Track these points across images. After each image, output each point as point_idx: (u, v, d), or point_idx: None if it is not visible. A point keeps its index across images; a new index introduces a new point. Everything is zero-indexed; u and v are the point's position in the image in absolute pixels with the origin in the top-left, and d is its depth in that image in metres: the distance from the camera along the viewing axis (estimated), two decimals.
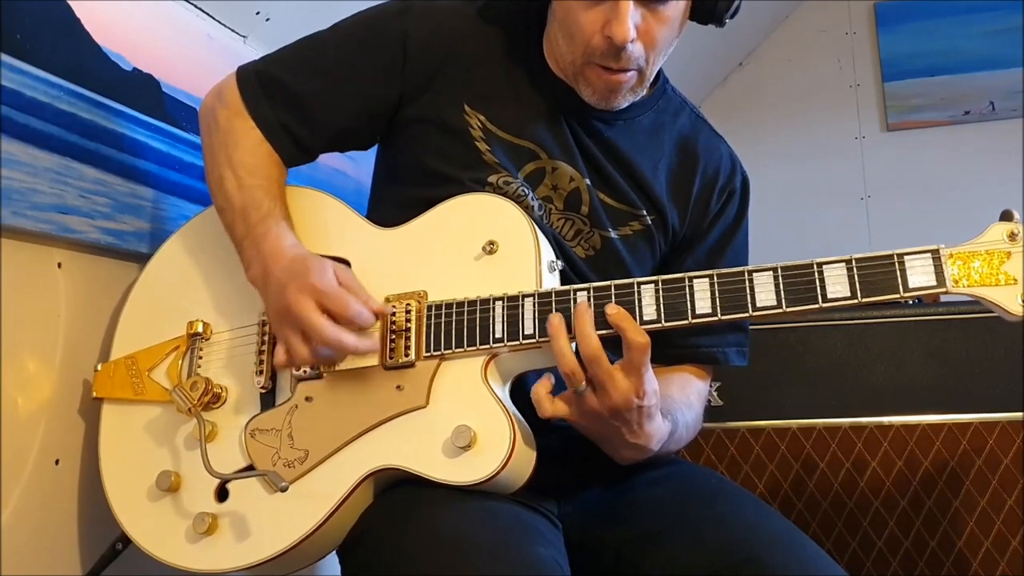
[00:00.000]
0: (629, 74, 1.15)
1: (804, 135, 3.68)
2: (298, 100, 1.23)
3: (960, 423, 1.62)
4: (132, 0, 1.38)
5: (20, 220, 1.15)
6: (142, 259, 1.34)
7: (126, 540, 1.16)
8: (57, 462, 1.23)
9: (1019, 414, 1.61)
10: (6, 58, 1.14)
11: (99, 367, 1.23)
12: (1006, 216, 0.98)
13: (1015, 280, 0.95)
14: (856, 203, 3.56)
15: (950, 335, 1.65)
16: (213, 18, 1.59)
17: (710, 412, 1.69)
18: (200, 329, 1.19)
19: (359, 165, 1.82)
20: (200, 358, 1.19)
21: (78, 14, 1.27)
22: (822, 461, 1.65)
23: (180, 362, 1.20)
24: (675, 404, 1.18)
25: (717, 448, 1.69)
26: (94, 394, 1.22)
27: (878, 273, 0.98)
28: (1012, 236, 0.96)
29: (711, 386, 1.69)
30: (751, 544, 1.02)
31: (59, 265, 1.25)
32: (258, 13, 1.67)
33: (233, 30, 1.65)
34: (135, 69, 1.37)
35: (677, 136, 1.29)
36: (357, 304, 1.06)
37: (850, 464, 1.64)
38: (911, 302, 1.78)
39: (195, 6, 1.55)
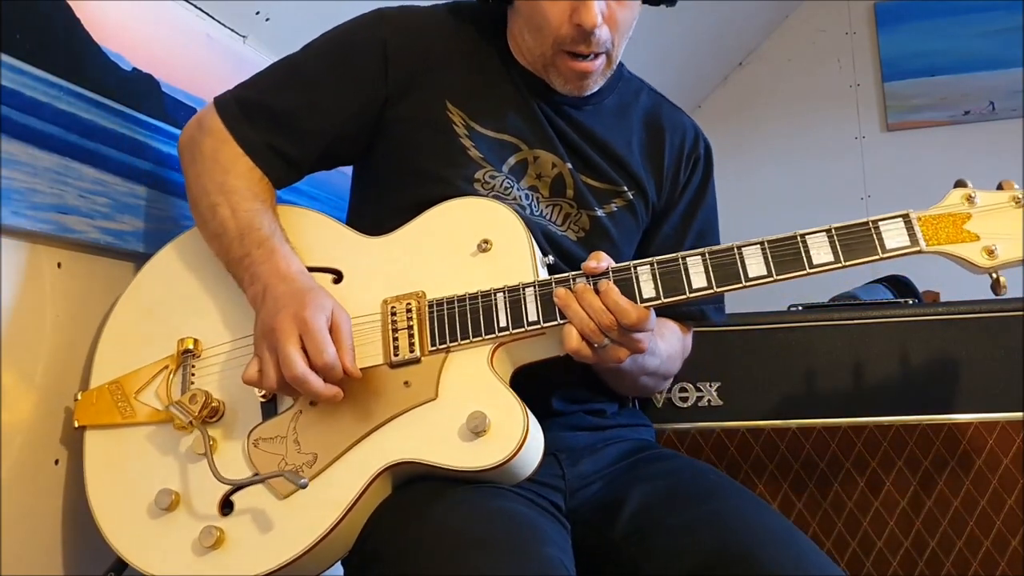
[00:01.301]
0: (599, 60, 1.20)
1: (804, 135, 3.68)
2: (281, 118, 1.23)
3: (960, 423, 1.62)
4: (132, 0, 1.38)
5: (20, 220, 1.15)
6: (141, 259, 1.34)
7: (121, 568, 1.12)
8: (57, 462, 1.22)
9: (1019, 414, 1.60)
10: (6, 58, 1.14)
11: (79, 396, 1.20)
12: (960, 184, 1.11)
13: (977, 236, 1.07)
14: (856, 203, 3.56)
15: (950, 335, 1.64)
16: (213, 18, 1.59)
17: (710, 412, 1.71)
18: (191, 346, 1.18)
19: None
20: (192, 375, 1.18)
21: (78, 14, 1.27)
22: (822, 461, 1.65)
23: (171, 379, 1.18)
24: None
25: (717, 448, 1.69)
26: (76, 423, 1.19)
27: (857, 238, 1.07)
28: (969, 199, 1.09)
29: (711, 385, 1.70)
30: (747, 540, 1.03)
31: (59, 265, 1.25)
32: (258, 13, 1.67)
33: (233, 30, 1.65)
34: (135, 69, 1.37)
35: (642, 113, 1.35)
36: (331, 355, 1.05)
37: (850, 464, 1.64)
38: (911, 302, 1.78)
39: (195, 6, 1.55)
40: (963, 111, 3.52)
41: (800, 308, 1.76)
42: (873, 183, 3.58)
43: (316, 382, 1.05)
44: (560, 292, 1.07)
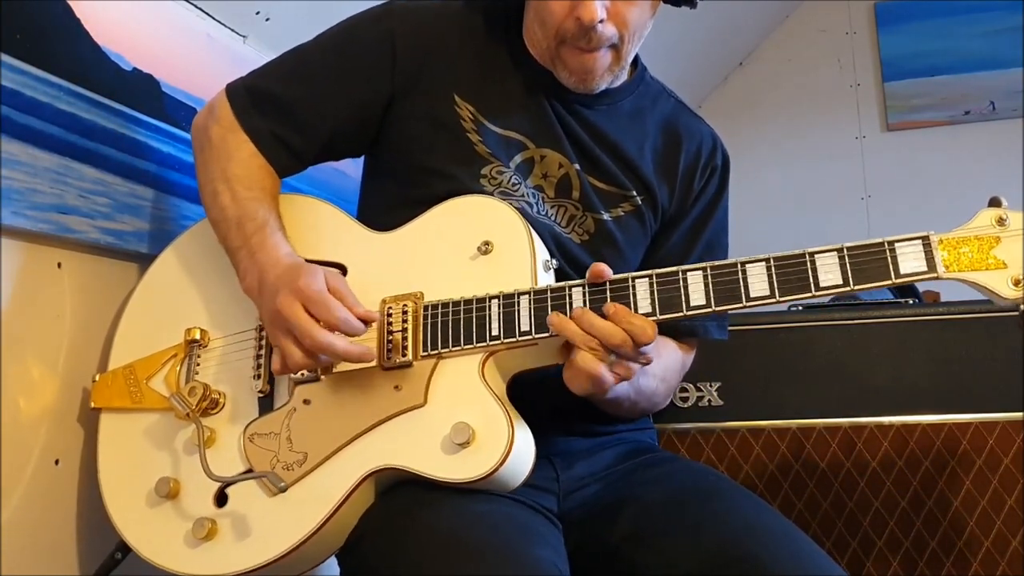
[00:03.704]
0: (602, 52, 1.17)
1: (804, 135, 3.68)
2: (288, 108, 1.23)
3: (960, 423, 1.62)
4: (132, 0, 1.38)
5: (20, 220, 1.15)
6: (142, 259, 1.34)
7: (125, 548, 1.15)
8: (57, 462, 1.23)
9: (1019, 414, 1.60)
10: (6, 58, 1.14)
11: (97, 377, 1.23)
12: (994, 202, 0.99)
13: (1004, 264, 0.96)
14: (856, 203, 3.56)
15: (950, 335, 1.64)
16: (213, 18, 1.59)
17: (710, 412, 1.71)
18: (197, 336, 1.20)
19: (359, 166, 1.82)
20: (198, 365, 1.19)
21: (78, 14, 1.27)
22: (822, 461, 1.65)
23: (178, 369, 1.20)
24: None
25: (717, 448, 1.69)
26: (92, 404, 1.22)
27: (870, 260, 0.99)
28: (1000, 221, 0.97)
29: (711, 385, 1.70)
30: (748, 541, 1.02)
31: (59, 265, 1.25)
32: (258, 13, 1.67)
33: (233, 30, 1.65)
34: (135, 69, 1.37)
35: (660, 119, 1.33)
36: (342, 310, 1.06)
37: (850, 464, 1.64)
38: (911, 302, 1.78)
39: (195, 6, 1.55)
40: (963, 111, 3.52)
41: (800, 308, 1.76)
42: (873, 183, 3.58)
43: (341, 343, 1.05)
44: (553, 319, 1.04)
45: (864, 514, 1.63)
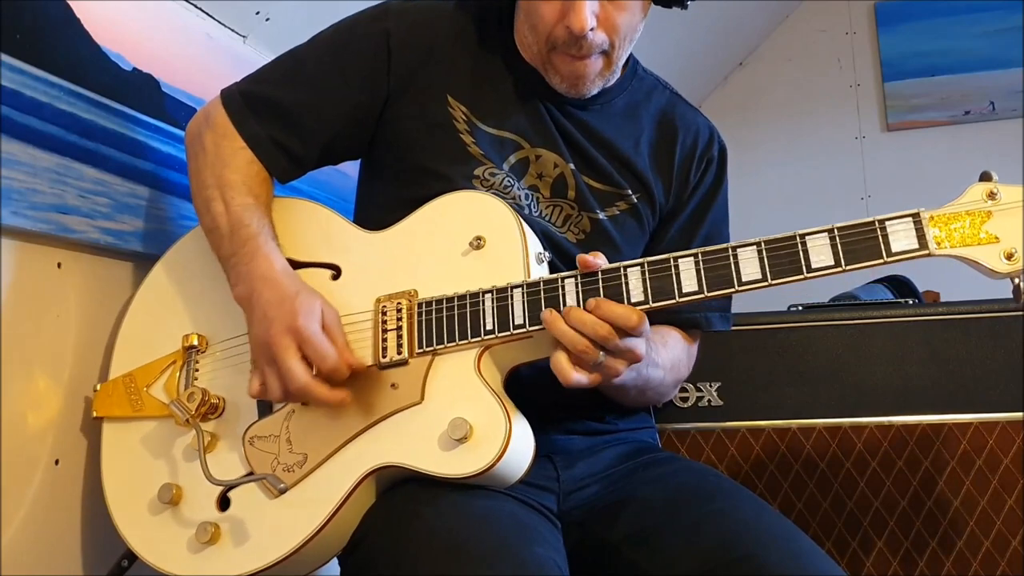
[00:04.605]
0: (593, 58, 1.17)
1: (804, 135, 3.68)
2: (286, 112, 1.23)
3: (960, 423, 1.62)
4: (132, 0, 1.38)
5: (20, 220, 1.15)
6: (141, 259, 1.34)
7: (132, 556, 1.16)
8: (57, 462, 1.22)
9: (1019, 414, 1.60)
10: (6, 58, 1.14)
11: (98, 387, 1.23)
12: (985, 177, 0.99)
13: (996, 238, 0.95)
14: (856, 203, 3.56)
15: (950, 335, 1.65)
16: (213, 18, 1.59)
17: (710, 412, 1.71)
18: (195, 342, 1.20)
19: (358, 165, 1.82)
20: (197, 371, 1.19)
21: (78, 14, 1.27)
22: (822, 461, 1.65)
23: (177, 375, 1.20)
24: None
25: (717, 448, 1.69)
26: (94, 414, 1.22)
27: (861, 240, 0.99)
28: (991, 195, 0.97)
29: (711, 385, 1.70)
30: (748, 541, 1.02)
31: (59, 265, 1.25)
32: (258, 13, 1.67)
33: (233, 30, 1.65)
34: (135, 69, 1.37)
35: (654, 112, 1.32)
36: (333, 358, 1.06)
37: (850, 464, 1.64)
38: (911, 302, 1.78)
39: (195, 6, 1.55)
40: (963, 111, 3.52)
41: (800, 308, 1.76)
42: (873, 183, 3.58)
43: (321, 390, 1.06)
44: (546, 315, 1.03)
45: (864, 514, 1.63)
